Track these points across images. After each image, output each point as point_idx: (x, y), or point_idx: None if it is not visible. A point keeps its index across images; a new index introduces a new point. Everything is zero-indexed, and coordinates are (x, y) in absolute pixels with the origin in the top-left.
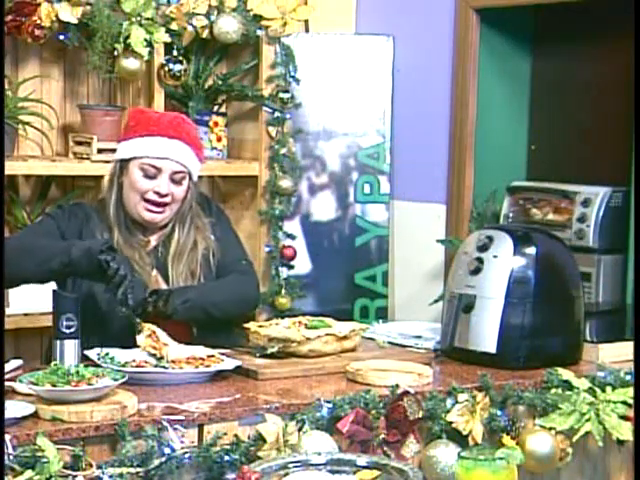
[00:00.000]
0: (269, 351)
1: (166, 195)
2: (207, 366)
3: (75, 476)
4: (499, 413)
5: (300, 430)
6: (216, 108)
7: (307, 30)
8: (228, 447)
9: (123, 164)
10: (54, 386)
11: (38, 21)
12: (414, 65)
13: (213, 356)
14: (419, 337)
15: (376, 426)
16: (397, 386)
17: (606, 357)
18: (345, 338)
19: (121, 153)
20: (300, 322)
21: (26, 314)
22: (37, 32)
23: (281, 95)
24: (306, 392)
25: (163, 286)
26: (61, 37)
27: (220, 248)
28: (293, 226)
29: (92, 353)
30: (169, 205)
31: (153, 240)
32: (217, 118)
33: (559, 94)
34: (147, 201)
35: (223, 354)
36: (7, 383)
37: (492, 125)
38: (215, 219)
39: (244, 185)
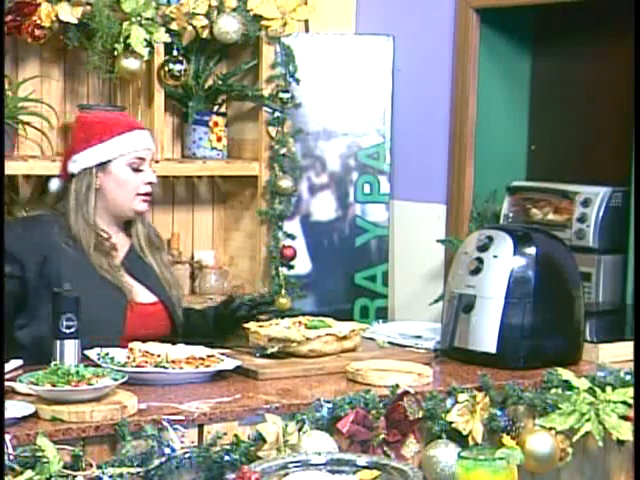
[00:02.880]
0: (269, 351)
1: (154, 183)
2: (207, 366)
3: (75, 476)
4: (499, 413)
5: (300, 430)
6: (216, 108)
7: (307, 30)
8: (228, 447)
9: (98, 168)
10: (54, 386)
11: (38, 21)
12: (414, 65)
13: (213, 356)
14: (419, 337)
15: (376, 426)
16: (397, 386)
17: (606, 357)
18: (345, 338)
19: (98, 157)
20: (300, 322)
21: None
22: (37, 32)
23: (281, 95)
24: (306, 392)
25: (137, 288)
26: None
27: None
28: (293, 226)
29: (92, 353)
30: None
31: (118, 241)
32: (217, 118)
33: (559, 94)
34: (140, 195)
35: (223, 354)
36: (7, 383)
37: (492, 125)
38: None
39: (244, 185)
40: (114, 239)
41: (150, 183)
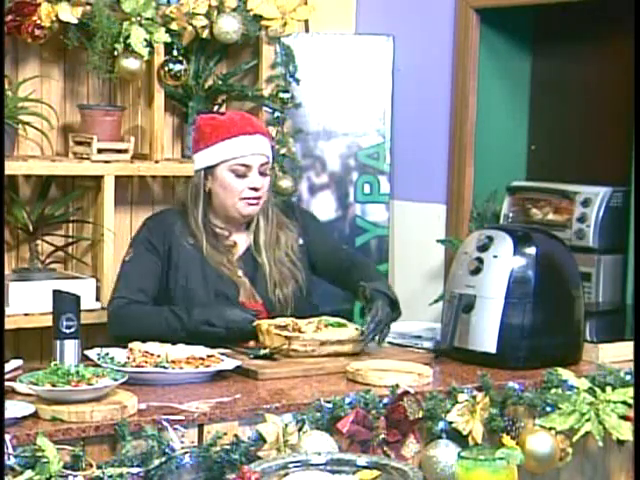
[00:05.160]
0: (261, 352)
1: (260, 188)
2: (207, 366)
3: (75, 476)
4: (499, 413)
5: (300, 430)
6: (216, 108)
7: (307, 30)
8: (228, 447)
9: (208, 172)
10: (54, 386)
11: (38, 21)
12: (414, 65)
13: (213, 356)
14: (419, 337)
15: (376, 426)
16: (397, 386)
17: (606, 357)
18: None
19: (204, 161)
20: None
21: (26, 314)
22: (37, 32)
23: (281, 95)
24: (306, 392)
25: (248, 287)
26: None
27: (320, 244)
28: None
29: (92, 353)
30: (262, 197)
31: (239, 239)
32: None
33: (559, 94)
34: (243, 199)
35: (223, 354)
36: (7, 383)
37: (492, 125)
38: (303, 221)
39: None
40: (234, 237)
41: (254, 189)
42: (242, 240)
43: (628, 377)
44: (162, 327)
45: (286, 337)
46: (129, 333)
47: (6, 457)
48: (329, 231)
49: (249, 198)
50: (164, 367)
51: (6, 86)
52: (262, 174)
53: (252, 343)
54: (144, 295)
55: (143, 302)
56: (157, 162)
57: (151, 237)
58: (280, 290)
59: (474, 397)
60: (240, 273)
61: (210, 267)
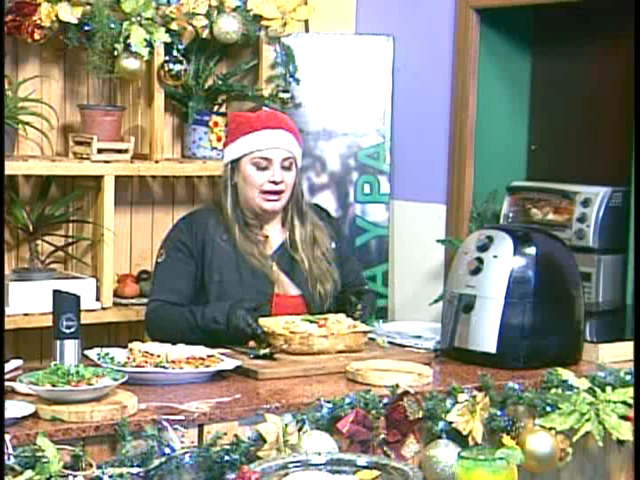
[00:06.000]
0: (261, 352)
1: (280, 182)
2: (207, 366)
3: (75, 476)
4: (499, 413)
5: (300, 430)
6: (216, 108)
7: (307, 30)
8: (228, 447)
9: (234, 165)
10: (54, 386)
11: (38, 21)
12: (414, 65)
13: (213, 356)
14: (419, 337)
15: (376, 426)
16: (397, 386)
17: (606, 357)
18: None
19: (230, 155)
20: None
21: (26, 314)
22: (37, 32)
23: (281, 95)
24: (306, 392)
25: (284, 280)
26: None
27: (347, 255)
28: None
29: (92, 353)
30: (284, 192)
31: (273, 234)
32: (217, 118)
33: (559, 94)
34: (264, 192)
35: (223, 354)
36: (7, 383)
37: (492, 125)
38: (334, 226)
39: None
40: (267, 231)
41: (274, 182)
42: (276, 236)
43: (628, 377)
44: (184, 327)
45: (364, 332)
46: (163, 335)
47: (6, 457)
48: (353, 245)
49: (269, 192)
50: (164, 367)
51: (6, 86)
52: (285, 169)
53: (252, 343)
54: (177, 295)
55: (177, 302)
56: (157, 162)
57: (182, 237)
58: (321, 286)
59: (474, 397)
60: (275, 267)
61: (244, 262)
